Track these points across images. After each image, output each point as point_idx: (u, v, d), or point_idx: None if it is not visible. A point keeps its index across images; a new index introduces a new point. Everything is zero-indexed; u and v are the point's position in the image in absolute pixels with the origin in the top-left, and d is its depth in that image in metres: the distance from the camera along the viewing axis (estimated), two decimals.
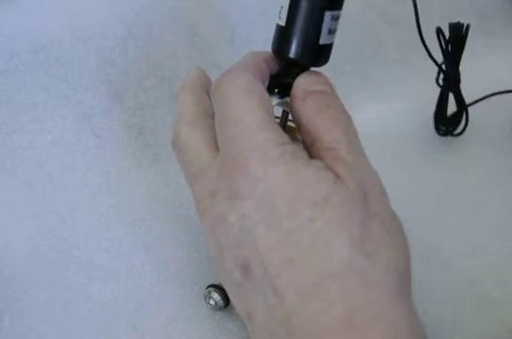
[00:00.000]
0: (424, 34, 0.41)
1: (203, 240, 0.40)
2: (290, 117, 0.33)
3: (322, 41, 0.32)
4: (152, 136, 0.45)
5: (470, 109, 0.48)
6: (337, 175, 0.28)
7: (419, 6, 0.39)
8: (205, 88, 0.34)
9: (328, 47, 0.33)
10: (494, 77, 0.53)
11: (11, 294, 0.38)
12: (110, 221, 0.42)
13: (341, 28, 0.33)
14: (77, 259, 0.40)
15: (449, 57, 0.45)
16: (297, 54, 0.32)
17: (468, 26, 0.44)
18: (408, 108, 0.52)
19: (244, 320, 0.29)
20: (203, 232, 0.30)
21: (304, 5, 0.31)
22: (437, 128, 0.50)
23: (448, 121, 0.49)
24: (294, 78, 0.32)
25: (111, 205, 0.42)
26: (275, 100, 0.33)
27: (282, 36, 0.32)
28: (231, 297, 0.30)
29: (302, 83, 0.32)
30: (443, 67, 0.45)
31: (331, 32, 0.32)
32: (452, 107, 0.48)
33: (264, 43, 0.34)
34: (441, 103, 0.48)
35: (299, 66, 0.33)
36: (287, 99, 0.33)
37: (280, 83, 0.33)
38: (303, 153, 0.28)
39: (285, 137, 0.29)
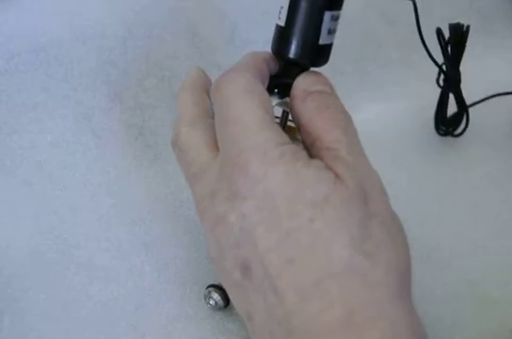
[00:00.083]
0: (424, 34, 0.41)
1: (203, 240, 0.40)
2: (290, 117, 0.33)
3: (322, 42, 0.32)
4: (152, 136, 0.45)
5: (470, 110, 0.48)
6: (337, 175, 0.28)
7: (419, 6, 0.39)
8: (205, 88, 0.34)
9: (328, 47, 0.33)
10: (494, 77, 0.53)
11: (11, 294, 0.38)
12: (110, 221, 0.42)
13: (341, 28, 0.33)
14: (77, 259, 0.40)
15: (449, 58, 0.45)
16: (297, 54, 0.32)
17: (468, 27, 0.44)
18: (408, 108, 0.52)
19: (244, 320, 0.29)
20: (203, 232, 0.30)
21: (304, 5, 0.31)
22: (437, 128, 0.50)
23: (448, 122, 0.49)
24: (293, 78, 0.32)
25: (111, 205, 0.42)
26: (275, 100, 0.33)
27: (282, 36, 0.32)
28: (231, 297, 0.30)
29: (302, 83, 0.32)
30: (444, 67, 0.45)
31: (331, 32, 0.32)
32: (452, 108, 0.48)
33: (264, 43, 0.34)
34: (442, 103, 0.48)
35: (299, 66, 0.33)
36: (287, 99, 0.33)
37: (279, 83, 0.33)
38: (303, 154, 0.28)
39: (285, 137, 0.29)
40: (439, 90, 0.47)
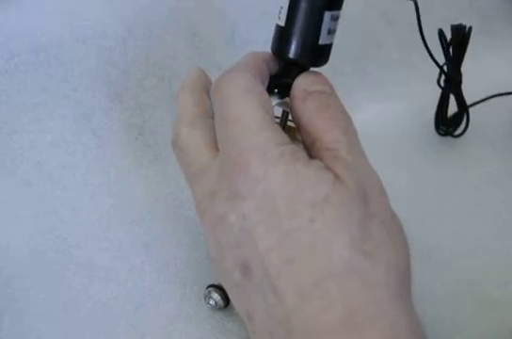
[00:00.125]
0: (424, 34, 0.41)
1: (203, 240, 0.40)
2: (290, 117, 0.33)
3: (321, 42, 0.32)
4: (152, 136, 0.45)
5: (470, 110, 0.48)
6: (337, 175, 0.28)
7: (419, 6, 0.39)
8: (205, 89, 0.34)
9: (328, 47, 0.33)
10: (494, 77, 0.53)
11: (11, 294, 0.38)
12: (110, 221, 0.42)
13: (341, 28, 0.33)
14: (77, 259, 0.40)
15: (451, 60, 0.44)
16: (297, 54, 0.32)
17: (470, 28, 0.44)
18: (408, 108, 0.52)
19: (244, 320, 0.29)
20: (203, 232, 0.30)
21: (303, 5, 0.31)
22: (437, 128, 0.50)
23: (449, 122, 0.49)
24: (293, 78, 0.32)
25: (111, 205, 0.42)
26: (275, 100, 0.33)
27: (282, 36, 0.32)
28: (231, 297, 0.30)
29: (302, 83, 0.32)
30: (445, 68, 0.45)
31: (331, 32, 0.32)
32: (452, 108, 0.48)
33: (264, 43, 0.34)
34: (442, 104, 0.48)
35: (299, 66, 0.33)
36: (287, 99, 0.33)
37: (279, 83, 0.33)
38: (303, 154, 0.28)
39: (285, 138, 0.29)
40: (439, 91, 0.47)
